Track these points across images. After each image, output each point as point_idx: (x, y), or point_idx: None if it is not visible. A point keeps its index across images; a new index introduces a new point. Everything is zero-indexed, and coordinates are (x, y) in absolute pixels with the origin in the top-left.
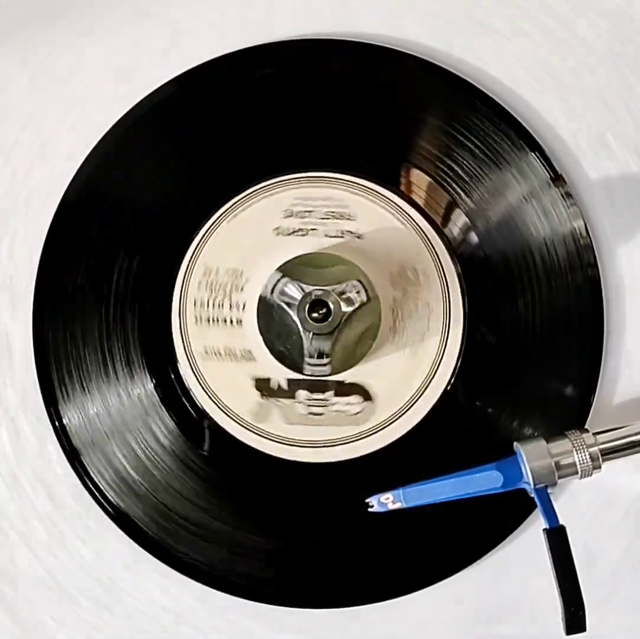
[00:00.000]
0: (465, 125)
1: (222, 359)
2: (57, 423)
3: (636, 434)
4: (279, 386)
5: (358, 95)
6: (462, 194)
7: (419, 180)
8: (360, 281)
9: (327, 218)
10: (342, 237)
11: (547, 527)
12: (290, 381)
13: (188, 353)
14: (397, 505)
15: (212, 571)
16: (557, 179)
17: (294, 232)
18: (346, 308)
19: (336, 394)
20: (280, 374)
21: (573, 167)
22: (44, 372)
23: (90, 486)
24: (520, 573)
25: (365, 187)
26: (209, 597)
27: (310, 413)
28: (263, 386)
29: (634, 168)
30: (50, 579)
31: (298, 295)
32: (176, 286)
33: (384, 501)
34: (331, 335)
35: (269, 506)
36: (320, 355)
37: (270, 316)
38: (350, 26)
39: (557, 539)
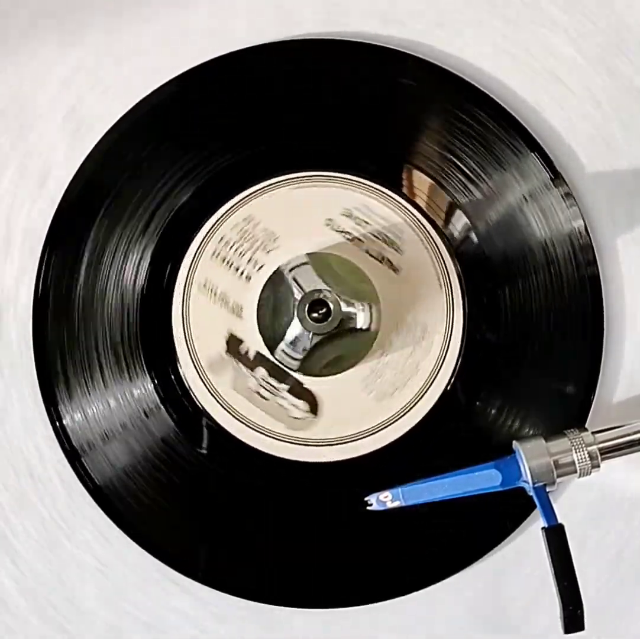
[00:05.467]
0: (465, 125)
1: (213, 300)
2: (57, 423)
3: (635, 433)
4: (246, 353)
5: (357, 96)
6: (463, 194)
7: (419, 180)
8: (370, 307)
9: (378, 238)
10: (380, 262)
11: (546, 526)
12: (258, 355)
13: (189, 345)
14: (396, 504)
15: (212, 570)
16: (556, 179)
17: (342, 232)
18: (347, 309)
19: (289, 391)
20: (255, 344)
21: (573, 167)
22: (44, 372)
23: (91, 486)
24: (520, 573)
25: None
26: (208, 596)
27: (258, 393)
28: (233, 344)
29: (634, 167)
30: (51, 579)
31: (306, 289)
32: (177, 284)
33: (382, 500)
34: (321, 336)
35: (269, 506)
36: (298, 349)
37: (276, 289)
38: (350, 26)
39: (556, 537)
